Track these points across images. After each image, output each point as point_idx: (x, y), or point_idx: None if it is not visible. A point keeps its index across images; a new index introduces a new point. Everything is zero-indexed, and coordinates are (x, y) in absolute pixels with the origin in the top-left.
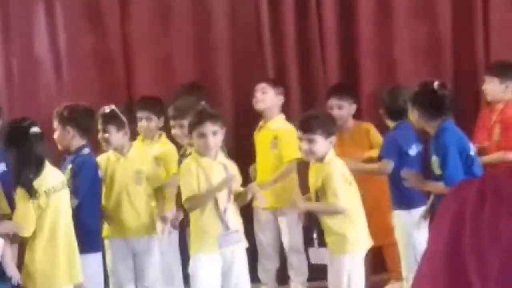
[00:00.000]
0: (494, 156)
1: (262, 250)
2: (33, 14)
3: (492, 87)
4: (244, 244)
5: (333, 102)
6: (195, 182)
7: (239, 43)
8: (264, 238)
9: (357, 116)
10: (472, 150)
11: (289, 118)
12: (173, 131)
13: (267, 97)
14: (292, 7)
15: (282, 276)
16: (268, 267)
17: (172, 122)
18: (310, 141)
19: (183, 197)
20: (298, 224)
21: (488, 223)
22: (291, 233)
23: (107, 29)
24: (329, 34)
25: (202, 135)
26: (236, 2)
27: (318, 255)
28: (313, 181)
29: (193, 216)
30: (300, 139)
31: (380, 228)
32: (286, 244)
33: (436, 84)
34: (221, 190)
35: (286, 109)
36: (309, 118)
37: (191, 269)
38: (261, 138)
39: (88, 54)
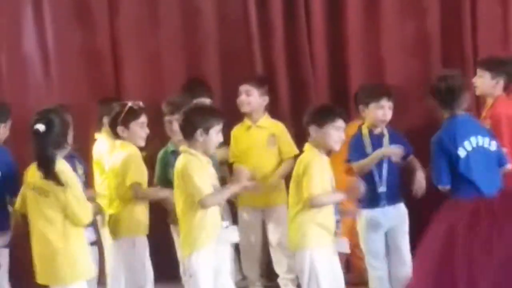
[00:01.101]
0: None
1: (246, 249)
2: (21, 11)
3: (483, 81)
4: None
5: None
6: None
7: (227, 40)
8: (249, 237)
9: (346, 114)
10: (469, 147)
11: (277, 115)
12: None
13: (252, 100)
14: (280, 4)
15: (268, 273)
16: (253, 265)
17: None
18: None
19: (201, 194)
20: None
21: (482, 237)
22: (280, 230)
23: (95, 26)
24: (317, 31)
25: (219, 133)
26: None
27: (339, 244)
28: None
29: (190, 213)
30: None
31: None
32: (274, 242)
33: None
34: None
35: (274, 106)
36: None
37: (191, 268)
38: (254, 137)
39: (76, 51)
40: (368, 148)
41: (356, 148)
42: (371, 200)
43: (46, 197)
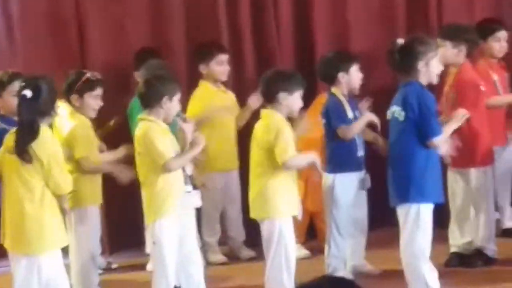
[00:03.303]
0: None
1: (207, 214)
2: None
3: (445, 51)
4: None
5: None
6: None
7: (193, 6)
8: (209, 202)
9: (311, 81)
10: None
11: (244, 81)
12: None
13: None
14: None
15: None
16: (213, 230)
17: None
18: None
19: (164, 158)
20: None
21: None
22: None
23: None
24: None
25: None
26: None
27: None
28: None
29: (153, 179)
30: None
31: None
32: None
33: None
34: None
35: (241, 72)
36: None
37: (154, 236)
38: (225, 101)
39: (41, 17)
40: (349, 113)
41: (339, 113)
42: (352, 163)
43: (29, 163)
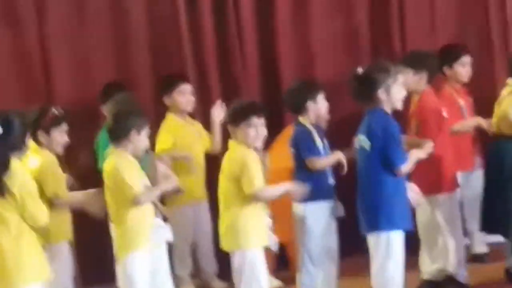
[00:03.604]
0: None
1: (178, 247)
2: None
3: (407, 78)
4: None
5: None
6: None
7: (158, 39)
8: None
9: (278, 112)
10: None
11: (208, 113)
12: None
13: (193, 99)
14: (209, 3)
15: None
16: (184, 264)
17: None
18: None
19: (133, 192)
20: None
21: None
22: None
23: (24, 29)
24: (246, 27)
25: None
26: None
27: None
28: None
29: (123, 214)
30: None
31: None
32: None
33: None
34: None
35: (207, 105)
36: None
37: (127, 270)
38: (188, 133)
39: (5, 53)
40: (318, 143)
41: (308, 143)
42: (323, 192)
43: (2, 197)
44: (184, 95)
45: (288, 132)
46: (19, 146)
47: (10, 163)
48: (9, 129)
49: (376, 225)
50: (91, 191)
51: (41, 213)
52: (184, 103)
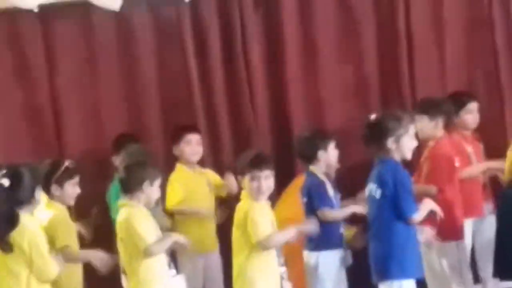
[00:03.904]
0: (419, 188)
1: None
2: None
3: (422, 125)
4: None
5: None
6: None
7: (168, 89)
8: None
9: (289, 160)
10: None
11: (221, 163)
12: None
13: (201, 149)
14: (219, 52)
15: None
16: None
17: None
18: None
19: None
20: None
21: None
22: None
23: (34, 82)
24: (256, 77)
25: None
26: (163, 49)
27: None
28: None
29: (136, 265)
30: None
31: None
32: None
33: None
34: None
35: (217, 154)
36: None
37: None
38: (197, 183)
39: (17, 108)
40: (330, 192)
41: (321, 194)
42: (335, 241)
43: (11, 252)
44: (190, 145)
45: (298, 181)
46: (28, 200)
47: (18, 218)
48: (18, 183)
49: (387, 274)
50: (101, 253)
51: (50, 268)
52: (189, 153)
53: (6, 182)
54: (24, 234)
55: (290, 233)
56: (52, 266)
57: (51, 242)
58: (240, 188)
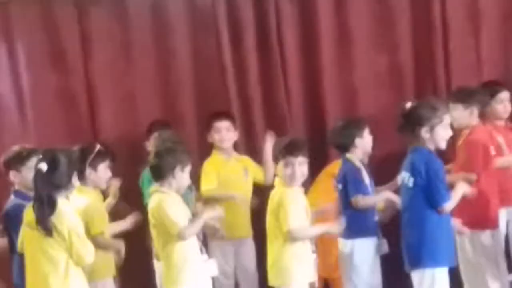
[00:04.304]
0: (455, 176)
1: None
2: None
3: (457, 114)
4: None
5: None
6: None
7: (202, 78)
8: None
9: (323, 147)
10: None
11: (254, 151)
12: None
13: (233, 135)
14: (254, 42)
15: None
16: None
17: None
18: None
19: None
20: None
21: None
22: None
23: (69, 68)
24: (291, 65)
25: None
26: (198, 38)
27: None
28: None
29: (169, 250)
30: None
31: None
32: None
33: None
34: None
35: (251, 143)
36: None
37: None
38: (232, 170)
39: (52, 94)
40: (366, 179)
41: (356, 181)
42: (370, 229)
43: (50, 236)
44: (219, 132)
45: (330, 168)
46: (64, 184)
47: (56, 202)
48: (55, 167)
49: (420, 262)
50: (129, 221)
51: (88, 252)
52: (218, 140)
53: (44, 166)
54: (63, 218)
55: (319, 230)
56: (90, 251)
57: (86, 228)
58: (275, 175)
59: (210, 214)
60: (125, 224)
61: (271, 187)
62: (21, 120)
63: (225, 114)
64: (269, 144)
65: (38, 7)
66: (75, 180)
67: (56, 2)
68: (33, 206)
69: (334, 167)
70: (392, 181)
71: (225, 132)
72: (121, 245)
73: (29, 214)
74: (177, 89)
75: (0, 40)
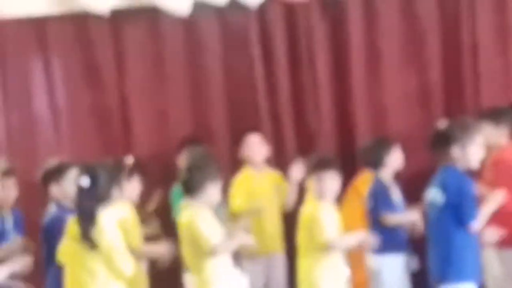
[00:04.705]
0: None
1: None
2: (31, 71)
3: (487, 133)
4: None
5: None
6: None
7: (234, 95)
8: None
9: (352, 167)
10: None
11: (285, 168)
12: None
13: (264, 150)
14: (285, 58)
15: None
16: None
17: None
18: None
19: (210, 243)
20: None
21: None
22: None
23: (104, 85)
24: (321, 84)
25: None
26: (231, 55)
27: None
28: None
29: (201, 264)
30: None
31: None
32: None
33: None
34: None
35: (281, 158)
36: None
37: None
38: (266, 183)
39: (86, 110)
40: (396, 197)
41: (386, 200)
42: (399, 245)
43: (91, 250)
44: (249, 147)
45: (358, 183)
46: (105, 198)
47: (98, 216)
48: (96, 181)
49: (446, 278)
50: (163, 248)
51: (127, 266)
52: (248, 155)
53: (85, 181)
54: (103, 232)
55: (356, 238)
56: (129, 264)
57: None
58: (306, 190)
59: (245, 240)
60: (160, 249)
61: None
62: (56, 136)
63: (255, 128)
64: (296, 169)
65: (74, 24)
66: (115, 193)
67: (91, 19)
68: (78, 220)
69: (361, 181)
70: (421, 200)
71: (257, 146)
72: (156, 250)
73: (73, 227)
74: (209, 106)
75: (36, 57)
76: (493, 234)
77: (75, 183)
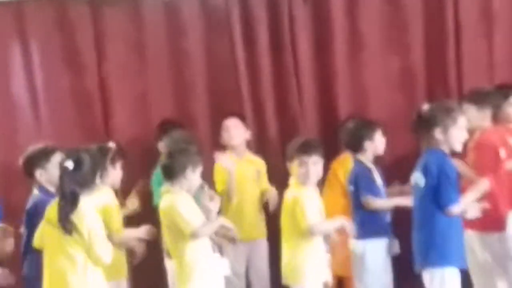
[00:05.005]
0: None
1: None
2: (9, 54)
3: (470, 115)
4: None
5: None
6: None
7: (216, 79)
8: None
9: (335, 151)
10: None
11: (267, 152)
12: None
13: (242, 133)
14: (267, 43)
15: None
16: None
17: None
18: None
19: (191, 227)
20: None
21: None
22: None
23: (84, 68)
24: (304, 67)
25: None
26: (211, 39)
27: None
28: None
29: (182, 249)
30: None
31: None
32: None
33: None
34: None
35: (264, 144)
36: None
37: None
38: (247, 169)
39: (65, 93)
40: (378, 180)
41: (367, 182)
42: (382, 229)
43: (70, 235)
44: (228, 130)
45: (342, 161)
46: (88, 184)
47: (79, 201)
48: (80, 166)
49: (429, 262)
50: (143, 231)
51: (106, 253)
52: (227, 138)
53: (70, 164)
54: (84, 218)
55: (337, 223)
56: (108, 252)
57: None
58: (289, 174)
59: (226, 223)
60: (140, 232)
61: (285, 187)
62: (35, 119)
63: (233, 113)
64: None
65: (52, 7)
66: (98, 180)
67: (70, 2)
68: (58, 204)
69: (338, 164)
70: (404, 186)
71: (233, 130)
72: (137, 243)
73: (51, 211)
74: (190, 90)
75: (14, 40)
76: (475, 209)
77: (60, 167)
